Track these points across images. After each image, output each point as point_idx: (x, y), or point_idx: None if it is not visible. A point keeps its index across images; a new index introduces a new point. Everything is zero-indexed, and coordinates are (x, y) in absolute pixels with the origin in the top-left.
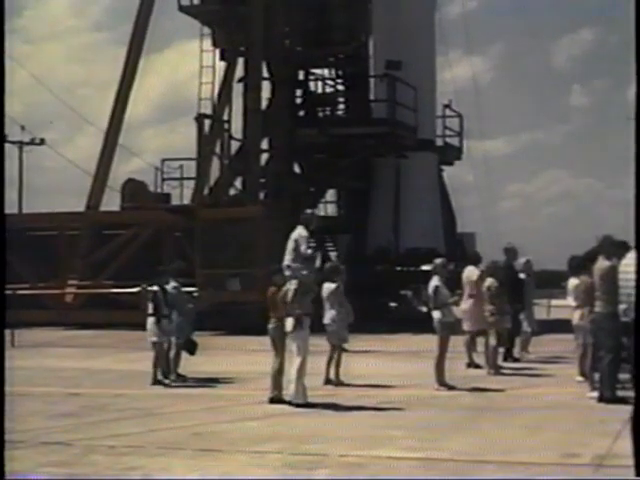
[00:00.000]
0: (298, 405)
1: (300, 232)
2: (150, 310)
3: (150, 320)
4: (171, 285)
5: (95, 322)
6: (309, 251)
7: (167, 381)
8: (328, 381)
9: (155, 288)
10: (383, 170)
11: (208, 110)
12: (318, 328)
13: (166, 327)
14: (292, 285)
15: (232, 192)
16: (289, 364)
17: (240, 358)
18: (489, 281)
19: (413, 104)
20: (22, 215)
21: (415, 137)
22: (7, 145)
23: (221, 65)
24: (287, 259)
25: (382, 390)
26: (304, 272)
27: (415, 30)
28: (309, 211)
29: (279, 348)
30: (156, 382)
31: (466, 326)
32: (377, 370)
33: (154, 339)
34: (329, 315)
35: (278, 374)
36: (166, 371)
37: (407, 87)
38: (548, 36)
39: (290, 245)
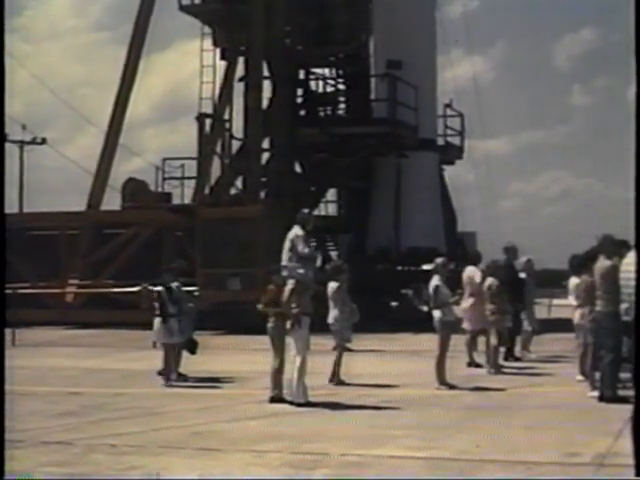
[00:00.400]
0: (299, 404)
1: (296, 232)
2: (157, 311)
3: (157, 320)
4: (174, 284)
5: (95, 321)
6: (306, 250)
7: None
8: (333, 378)
9: (160, 288)
10: (384, 169)
11: (209, 109)
12: (320, 327)
13: (174, 327)
14: (289, 285)
15: (233, 191)
16: (288, 363)
17: (241, 357)
18: (490, 280)
19: (414, 103)
20: (23, 214)
21: (416, 136)
22: (8, 144)
23: (222, 64)
24: (284, 259)
25: (383, 389)
26: (300, 271)
27: (416, 29)
28: (305, 211)
29: (278, 347)
30: (161, 374)
31: (467, 325)
32: (378, 369)
33: (162, 340)
34: (332, 314)
35: (278, 373)
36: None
37: (408, 86)
38: (549, 36)
39: (286, 245)
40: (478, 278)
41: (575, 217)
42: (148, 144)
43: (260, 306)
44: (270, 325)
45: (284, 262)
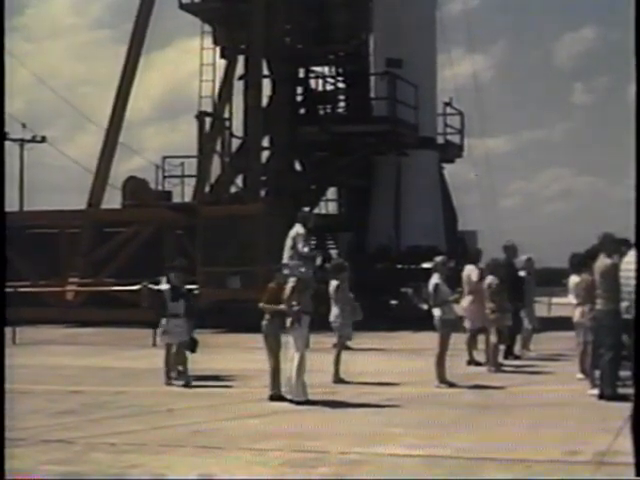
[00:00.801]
0: (299, 402)
1: (298, 230)
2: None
3: (162, 320)
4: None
5: (96, 320)
6: (306, 249)
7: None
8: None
9: (165, 287)
10: (384, 168)
11: (209, 108)
12: (320, 326)
13: (172, 327)
14: (290, 283)
15: (233, 190)
16: (284, 361)
17: (241, 356)
18: (489, 279)
19: (414, 102)
20: (23, 213)
21: (416, 135)
22: (8, 143)
23: (222, 63)
24: (285, 257)
25: (383, 387)
26: (302, 269)
27: (416, 28)
28: (306, 209)
29: (272, 345)
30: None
31: (467, 324)
32: (378, 368)
33: (166, 340)
34: (333, 312)
35: (276, 371)
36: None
37: (408, 85)
38: (549, 34)
39: (288, 243)
40: (475, 277)
41: (575, 215)
42: (148, 142)
43: (261, 304)
44: (264, 323)
45: (285, 260)
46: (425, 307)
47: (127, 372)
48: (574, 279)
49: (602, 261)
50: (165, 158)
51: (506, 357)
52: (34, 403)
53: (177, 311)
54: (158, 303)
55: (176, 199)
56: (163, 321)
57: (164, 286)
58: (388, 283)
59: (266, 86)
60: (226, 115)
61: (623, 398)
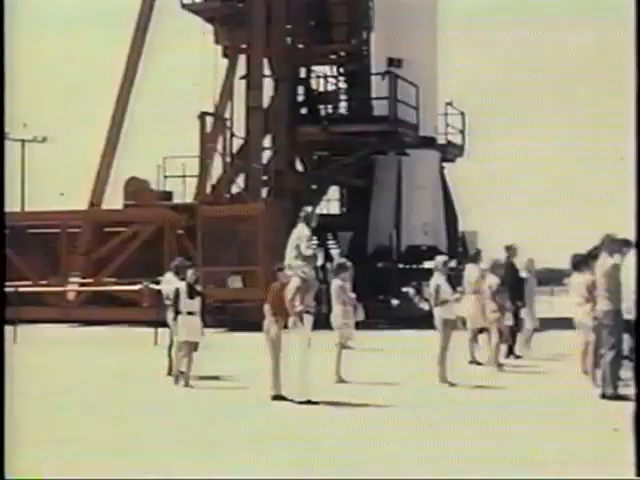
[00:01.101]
0: (300, 402)
1: (301, 230)
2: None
3: (177, 318)
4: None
5: (97, 319)
6: (309, 252)
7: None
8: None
9: (180, 283)
10: (385, 168)
11: (210, 108)
12: (322, 325)
13: (188, 324)
14: (293, 283)
15: (234, 190)
16: (290, 361)
17: (242, 355)
18: (491, 279)
19: (415, 102)
20: (24, 213)
21: (417, 135)
22: (9, 142)
23: (223, 62)
24: (288, 257)
25: (383, 387)
26: (305, 269)
27: (417, 27)
28: (309, 208)
29: (275, 345)
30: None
31: (468, 323)
32: (378, 367)
33: (181, 337)
34: (334, 312)
35: (277, 371)
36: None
37: (409, 85)
38: (550, 34)
39: (291, 243)
40: (475, 277)
41: (577, 216)
42: (149, 142)
43: (267, 306)
44: (266, 322)
45: (288, 260)
46: (426, 307)
47: (128, 372)
48: (576, 279)
49: (603, 261)
50: (166, 158)
51: (507, 357)
52: (34, 403)
53: (193, 309)
54: (173, 299)
55: (177, 199)
56: (179, 317)
57: (180, 283)
58: (389, 283)
59: (267, 86)
60: (227, 115)
61: (624, 398)
